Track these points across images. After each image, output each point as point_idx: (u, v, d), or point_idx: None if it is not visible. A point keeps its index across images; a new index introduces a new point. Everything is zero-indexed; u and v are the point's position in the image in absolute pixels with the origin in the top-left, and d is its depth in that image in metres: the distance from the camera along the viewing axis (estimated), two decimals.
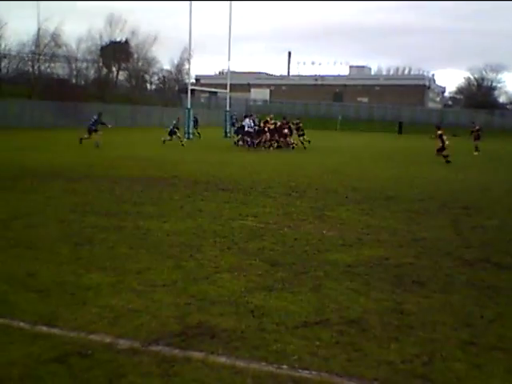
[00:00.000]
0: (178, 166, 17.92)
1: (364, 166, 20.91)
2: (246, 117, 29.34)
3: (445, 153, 23.17)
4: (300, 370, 3.94)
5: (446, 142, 23.28)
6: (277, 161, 21.94)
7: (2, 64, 56.74)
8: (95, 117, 25.67)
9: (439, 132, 23.57)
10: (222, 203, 10.93)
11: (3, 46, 54.70)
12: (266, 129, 28.87)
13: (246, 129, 28.08)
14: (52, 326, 4.51)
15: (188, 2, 38.53)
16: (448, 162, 22.59)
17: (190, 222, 8.91)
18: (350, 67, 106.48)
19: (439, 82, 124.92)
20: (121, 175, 14.91)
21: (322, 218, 9.78)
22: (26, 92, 51.53)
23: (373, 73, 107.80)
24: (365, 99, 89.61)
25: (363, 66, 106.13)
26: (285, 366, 3.99)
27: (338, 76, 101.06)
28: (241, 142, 29.32)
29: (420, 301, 5.48)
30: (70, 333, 4.40)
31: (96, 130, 25.22)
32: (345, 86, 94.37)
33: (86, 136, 25.31)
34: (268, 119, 29.71)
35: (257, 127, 28.88)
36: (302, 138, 30.00)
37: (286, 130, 29.16)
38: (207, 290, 5.55)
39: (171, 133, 29.22)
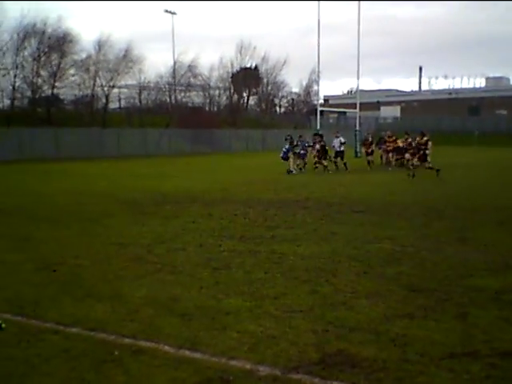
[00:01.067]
0: (309, 188, 17.96)
1: (508, 182, 19.65)
2: (300, 137, 26.67)
3: (428, 165, 21.17)
4: None
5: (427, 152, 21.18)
6: (409, 180, 21.27)
7: (142, 96, 60.76)
8: (286, 146, 25.51)
9: (425, 138, 21.60)
10: (355, 226, 10.75)
11: (143, 79, 58.62)
12: (390, 147, 28.05)
13: (299, 150, 25.95)
14: (194, 350, 4.63)
15: (316, 23, 38.99)
16: (437, 171, 20.68)
17: (324, 246, 8.84)
18: (487, 79, 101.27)
19: None
20: (254, 198, 15.22)
21: (463, 240, 9.27)
22: (164, 121, 54.66)
23: None
24: (504, 111, 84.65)
25: (501, 77, 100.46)
26: None
27: (474, 89, 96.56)
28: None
29: None
30: (212, 358, 4.48)
31: (287, 158, 25.14)
32: (481, 98, 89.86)
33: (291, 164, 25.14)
34: (386, 138, 28.67)
35: (308, 148, 26.48)
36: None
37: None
38: (345, 316, 5.43)
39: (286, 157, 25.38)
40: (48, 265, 7.64)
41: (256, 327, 5.14)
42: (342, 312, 5.56)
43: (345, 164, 26.56)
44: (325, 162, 25.53)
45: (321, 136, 26.49)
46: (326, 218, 11.76)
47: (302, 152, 26.10)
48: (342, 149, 26.52)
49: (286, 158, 25.00)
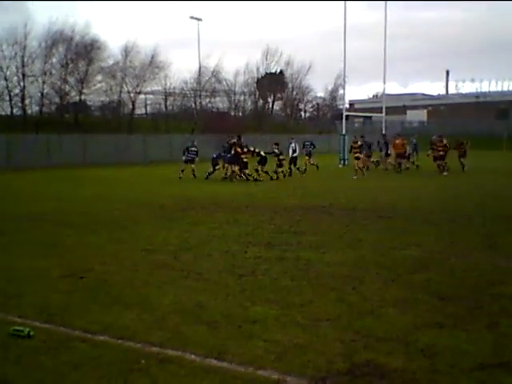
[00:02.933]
0: (333, 194, 17.85)
1: None
2: (228, 143, 26.04)
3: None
4: None
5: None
6: (435, 185, 21.02)
7: (168, 102, 61.17)
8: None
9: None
10: (381, 232, 10.65)
11: (168, 84, 59.03)
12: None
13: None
14: (221, 359, 4.61)
15: (342, 26, 38.84)
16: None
17: (350, 253, 8.76)
18: None
19: None
20: (279, 204, 15.18)
21: (494, 246, 9.11)
22: (190, 126, 54.88)
23: None
24: None
25: None
26: None
27: (502, 92, 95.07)
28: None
29: None
30: (239, 367, 4.46)
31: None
32: (510, 102, 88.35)
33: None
34: (397, 141, 28.50)
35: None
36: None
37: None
38: (373, 325, 5.36)
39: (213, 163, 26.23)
40: (75, 271, 7.70)
41: (283, 336, 5.11)
42: (370, 321, 5.49)
43: (298, 169, 26.66)
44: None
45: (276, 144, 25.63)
46: (351, 224, 11.66)
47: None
48: (295, 155, 26.65)
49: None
